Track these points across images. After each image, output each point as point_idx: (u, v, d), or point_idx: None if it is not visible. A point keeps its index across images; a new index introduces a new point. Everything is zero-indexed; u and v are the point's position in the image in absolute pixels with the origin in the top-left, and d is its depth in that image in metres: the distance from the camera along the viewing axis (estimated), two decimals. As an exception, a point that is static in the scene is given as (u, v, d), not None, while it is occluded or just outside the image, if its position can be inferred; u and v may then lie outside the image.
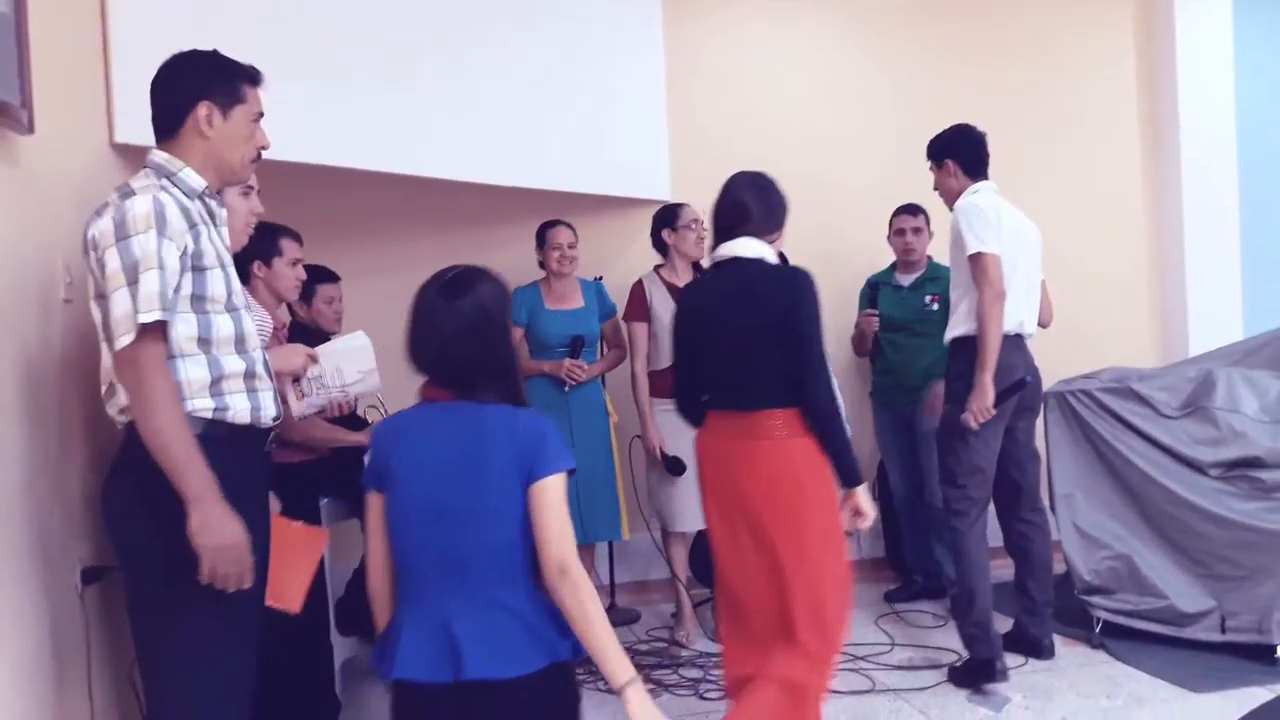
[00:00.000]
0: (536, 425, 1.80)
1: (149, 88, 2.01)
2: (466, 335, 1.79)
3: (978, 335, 3.28)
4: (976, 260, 3.28)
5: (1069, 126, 5.14)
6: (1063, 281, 4.51)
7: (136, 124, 2.47)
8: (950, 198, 3.55)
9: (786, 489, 2.40)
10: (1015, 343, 3.38)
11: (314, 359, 2.62)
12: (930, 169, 3.62)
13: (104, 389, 1.99)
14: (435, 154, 3.79)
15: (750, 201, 2.55)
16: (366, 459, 2.23)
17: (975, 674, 3.35)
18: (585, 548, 4.00)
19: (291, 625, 2.25)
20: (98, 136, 2.65)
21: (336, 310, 3.57)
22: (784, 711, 2.34)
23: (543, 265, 4.01)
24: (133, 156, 2.56)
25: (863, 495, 2.50)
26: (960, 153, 3.53)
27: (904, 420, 4.27)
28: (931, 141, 3.61)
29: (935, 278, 4.21)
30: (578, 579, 1.73)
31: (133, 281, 1.81)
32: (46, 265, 2.13)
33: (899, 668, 3.58)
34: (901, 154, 4.98)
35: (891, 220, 4.34)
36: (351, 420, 3.31)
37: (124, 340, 1.81)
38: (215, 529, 1.81)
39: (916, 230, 4.25)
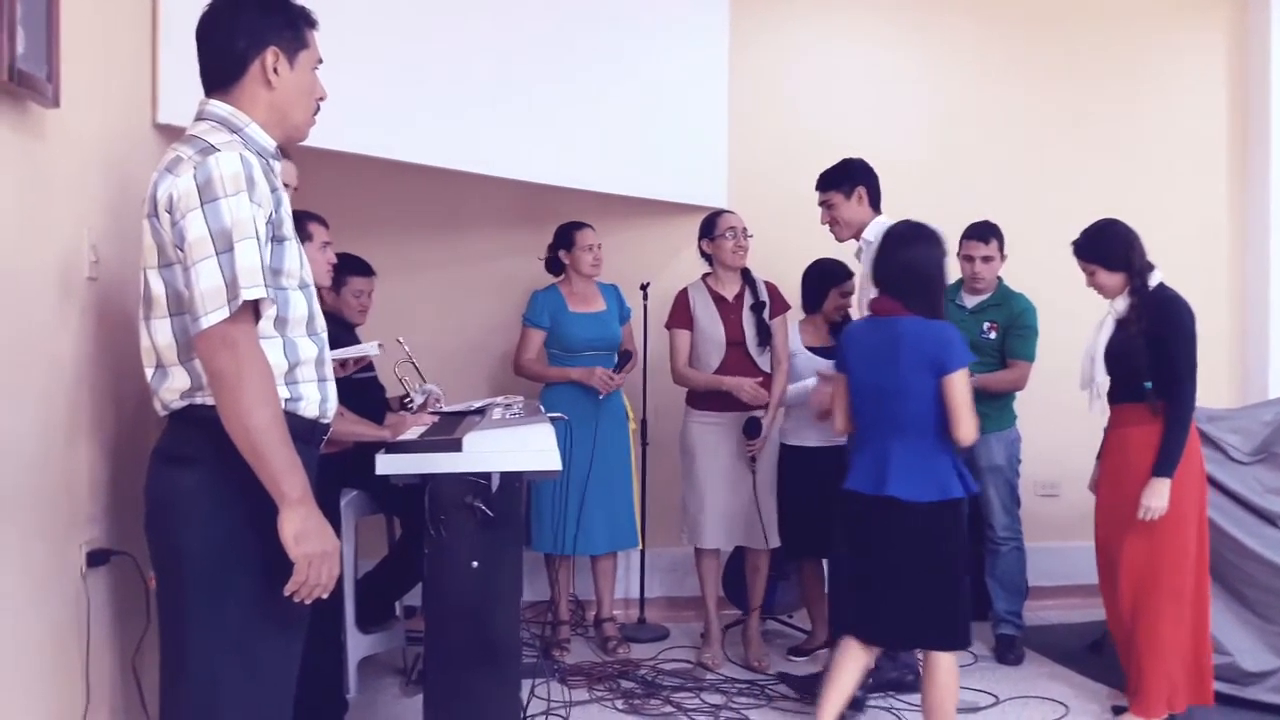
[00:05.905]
0: (943, 334, 2.67)
1: (196, 32, 1.79)
2: (910, 267, 2.71)
3: None
4: None
5: (1152, 150, 4.89)
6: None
7: (181, 106, 2.43)
8: (851, 230, 3.42)
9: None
10: None
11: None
12: (825, 200, 3.45)
13: (150, 371, 1.75)
14: (486, 150, 3.74)
15: (1124, 252, 3.20)
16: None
17: None
18: (607, 556, 3.94)
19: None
20: (139, 116, 2.64)
21: (364, 304, 3.53)
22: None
23: (554, 267, 3.94)
24: (175, 138, 2.53)
25: None
26: (870, 181, 3.42)
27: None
28: (834, 171, 3.46)
29: (1000, 304, 3.96)
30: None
31: (225, 250, 1.60)
32: (71, 240, 2.10)
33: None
34: (969, 172, 4.79)
35: (961, 242, 4.04)
36: (378, 413, 3.27)
37: (215, 317, 1.58)
38: (317, 535, 1.64)
39: (987, 259, 3.93)
